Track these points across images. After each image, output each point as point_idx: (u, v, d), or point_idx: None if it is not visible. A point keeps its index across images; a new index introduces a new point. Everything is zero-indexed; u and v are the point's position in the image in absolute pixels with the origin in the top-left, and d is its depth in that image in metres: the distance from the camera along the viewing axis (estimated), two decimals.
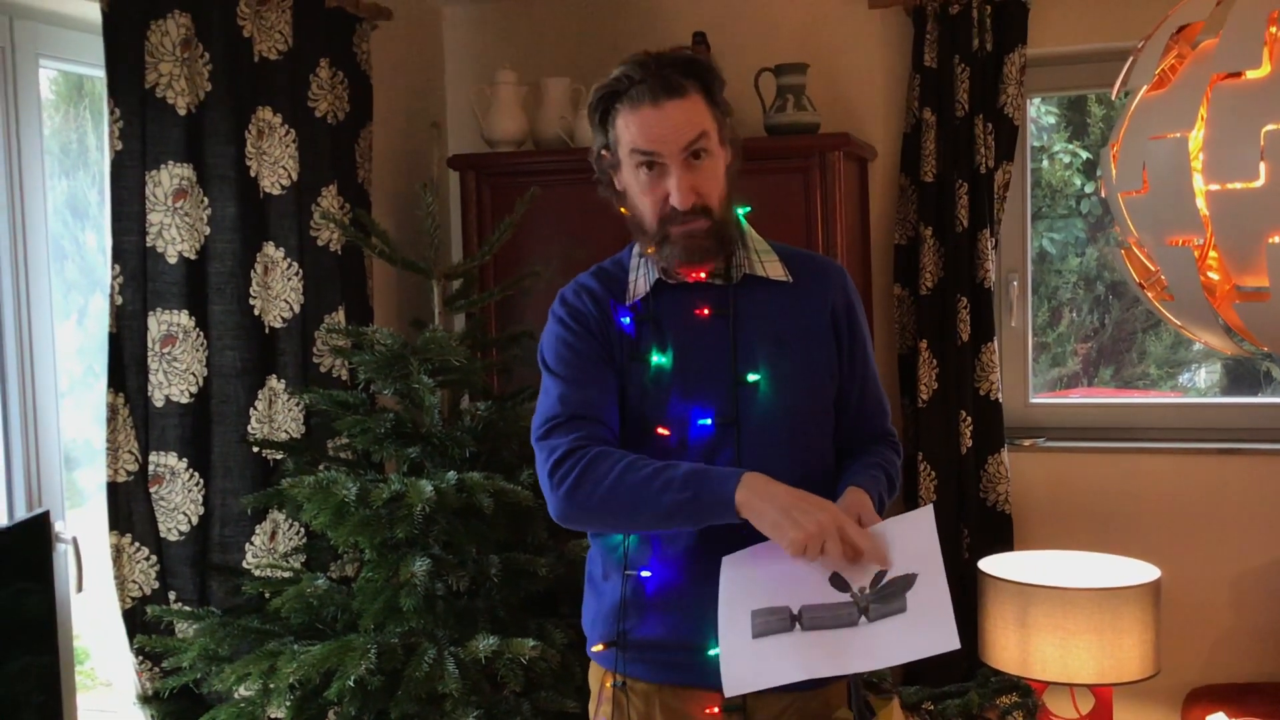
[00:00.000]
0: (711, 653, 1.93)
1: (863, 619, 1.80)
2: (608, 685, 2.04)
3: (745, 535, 1.91)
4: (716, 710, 1.98)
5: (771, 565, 1.87)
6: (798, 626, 1.80)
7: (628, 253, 2.09)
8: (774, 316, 2.02)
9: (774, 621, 1.81)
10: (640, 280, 2.03)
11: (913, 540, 1.87)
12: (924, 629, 1.76)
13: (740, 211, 2.05)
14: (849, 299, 2.10)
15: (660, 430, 1.97)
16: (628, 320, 2.01)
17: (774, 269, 2.04)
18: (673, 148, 1.90)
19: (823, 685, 1.98)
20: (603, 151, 1.99)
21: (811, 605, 1.82)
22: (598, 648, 2.06)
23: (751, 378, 1.98)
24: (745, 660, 1.79)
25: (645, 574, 1.97)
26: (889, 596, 1.81)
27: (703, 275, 2.01)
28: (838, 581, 1.85)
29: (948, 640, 1.75)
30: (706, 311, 2.00)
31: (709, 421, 1.97)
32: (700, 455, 1.97)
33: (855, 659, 1.78)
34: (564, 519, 1.94)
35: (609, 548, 2.04)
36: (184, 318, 2.73)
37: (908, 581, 1.82)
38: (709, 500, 1.82)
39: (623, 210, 2.03)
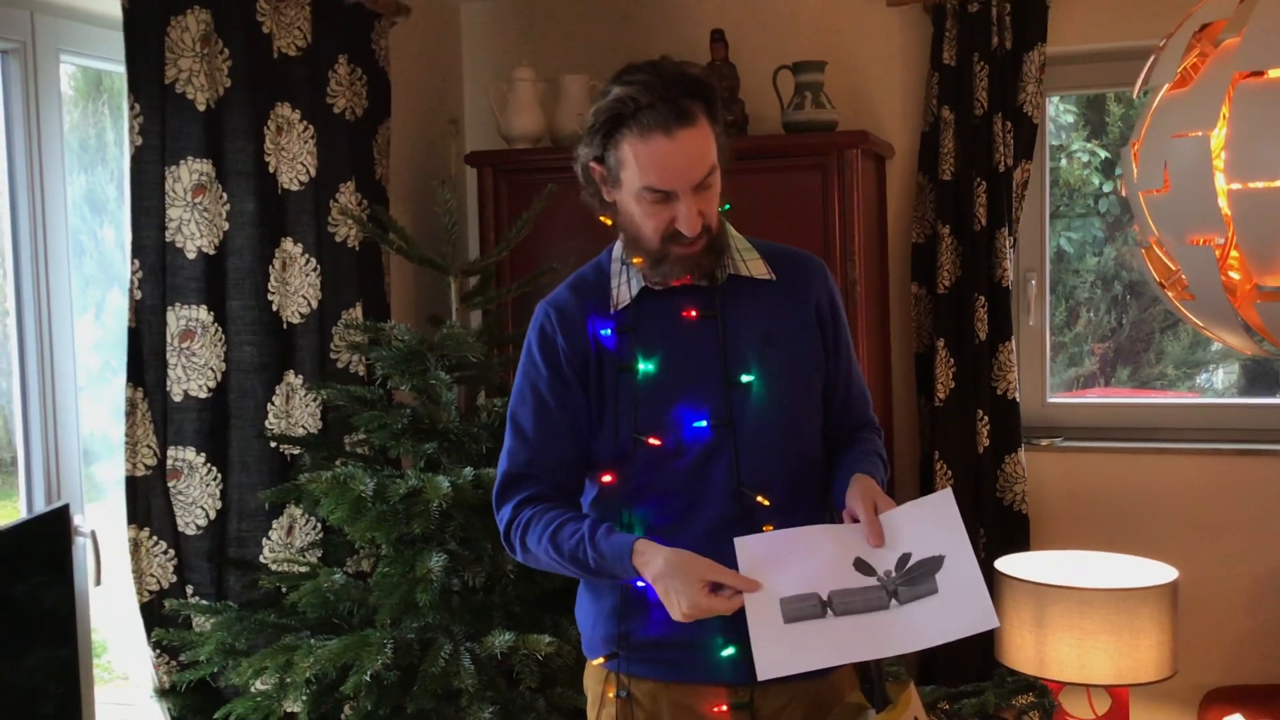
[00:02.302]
0: (725, 653, 1.93)
1: (893, 602, 1.80)
2: (610, 695, 2.04)
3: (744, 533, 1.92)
4: (724, 708, 1.97)
5: (792, 553, 1.87)
6: (829, 612, 1.80)
7: (607, 256, 2.07)
8: (761, 315, 2.02)
9: (805, 608, 1.81)
10: (623, 288, 2.01)
11: (935, 523, 1.87)
12: (960, 609, 1.77)
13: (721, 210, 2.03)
14: (831, 292, 2.10)
15: (652, 440, 1.96)
16: (608, 332, 2.00)
17: (757, 267, 2.03)
18: (685, 184, 1.87)
19: (828, 673, 1.97)
20: (593, 164, 1.95)
21: (840, 590, 1.82)
22: (597, 661, 2.05)
23: (744, 379, 1.98)
24: (778, 646, 1.79)
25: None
26: (917, 579, 1.81)
27: (688, 277, 1.99)
28: (862, 566, 1.85)
29: (985, 619, 1.77)
30: (694, 313, 1.99)
31: (704, 424, 1.97)
32: (696, 459, 1.97)
33: (892, 642, 1.78)
34: None
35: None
36: (202, 313, 2.74)
37: (935, 564, 1.82)
38: (620, 573, 1.91)
39: (604, 219, 2.02)
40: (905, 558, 1.85)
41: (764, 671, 1.79)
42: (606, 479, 2.01)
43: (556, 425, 2.01)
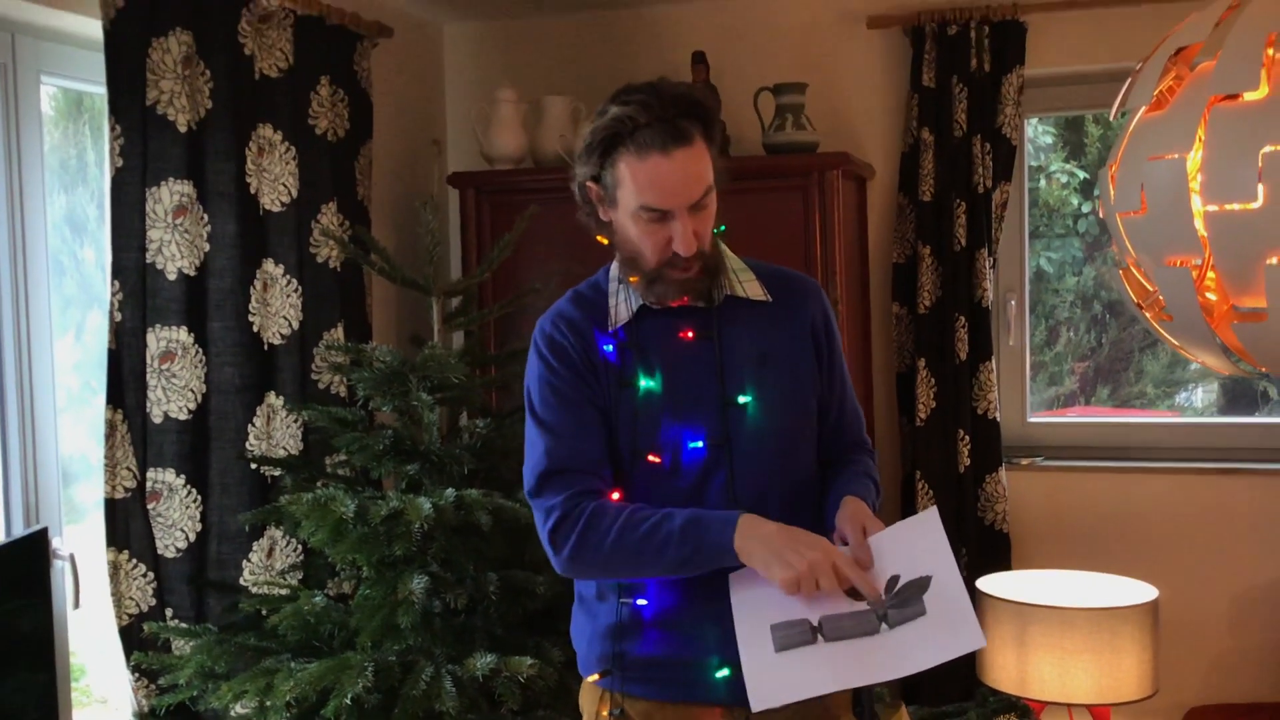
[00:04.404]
0: (719, 674, 1.92)
1: (884, 626, 1.80)
2: (604, 714, 2.03)
3: None
4: None
5: None
6: (820, 638, 1.80)
7: (604, 276, 2.07)
8: (757, 337, 2.02)
9: (795, 635, 1.80)
10: (621, 306, 2.01)
11: (921, 543, 1.87)
12: (948, 630, 1.77)
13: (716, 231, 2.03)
14: (826, 313, 2.11)
15: (651, 458, 1.96)
16: (610, 348, 1.99)
17: (753, 289, 2.04)
18: (682, 203, 1.88)
19: (824, 696, 1.96)
20: (590, 183, 1.95)
21: (830, 616, 1.81)
22: (592, 678, 2.05)
23: (741, 400, 1.98)
24: (771, 675, 1.78)
25: (641, 602, 1.96)
26: (906, 601, 1.81)
27: (685, 298, 1.99)
28: (852, 591, 1.84)
29: (973, 639, 1.76)
30: (690, 334, 2.00)
31: (700, 444, 1.97)
32: (694, 478, 1.97)
33: (884, 667, 1.78)
34: (570, 575, 2.00)
35: None
36: (183, 334, 2.73)
37: (922, 584, 1.82)
38: (710, 552, 1.86)
39: (600, 239, 2.01)
40: (894, 580, 1.84)
41: (758, 703, 1.77)
42: (615, 496, 1.99)
43: (587, 417, 1.97)
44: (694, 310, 2.01)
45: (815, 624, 1.81)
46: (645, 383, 1.97)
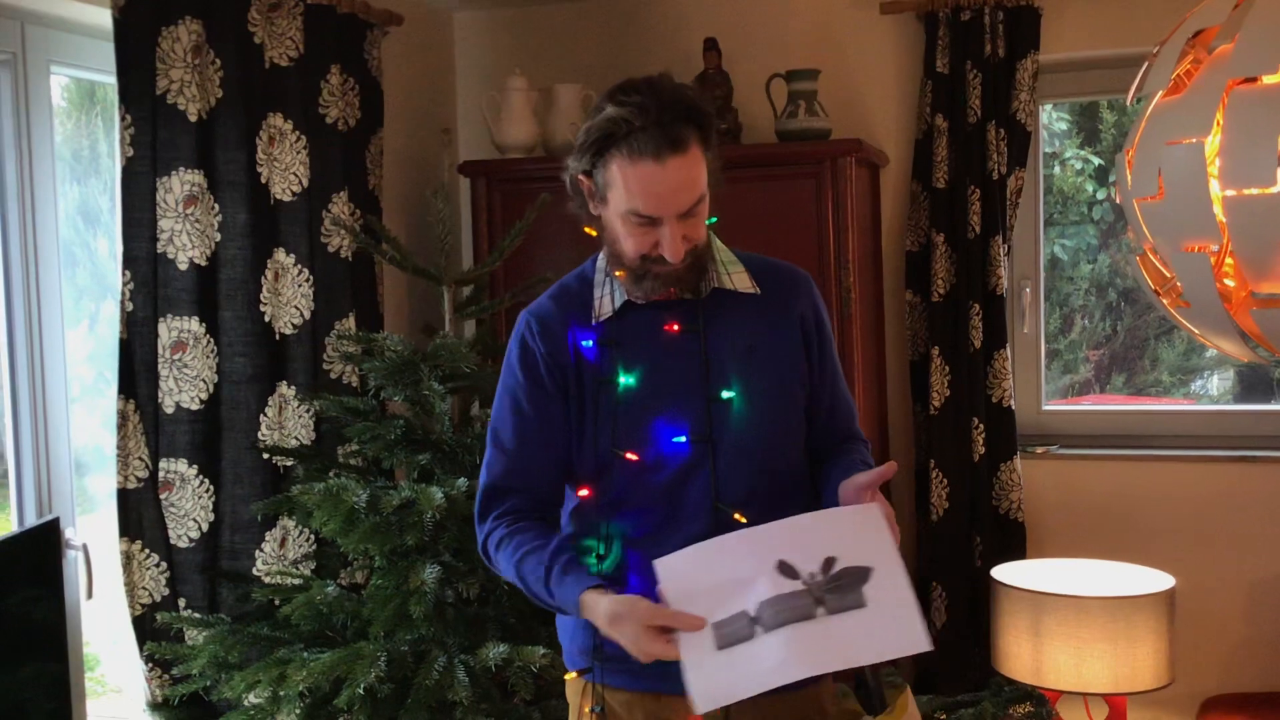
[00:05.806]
0: None
1: (820, 610, 1.75)
2: (586, 710, 2.02)
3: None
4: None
5: (714, 566, 1.83)
6: (759, 630, 1.75)
7: (591, 265, 2.05)
8: (744, 330, 2.00)
9: (736, 630, 1.76)
10: (606, 300, 1.99)
11: (862, 533, 1.83)
12: (890, 628, 1.73)
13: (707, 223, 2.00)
14: (816, 306, 2.08)
15: (630, 455, 1.95)
16: (590, 344, 1.98)
17: (741, 281, 2.01)
18: (672, 212, 1.85)
19: (808, 684, 1.94)
20: (581, 177, 1.93)
21: (766, 600, 1.77)
22: (570, 675, 2.05)
23: (725, 394, 1.96)
24: (714, 674, 1.74)
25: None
26: (844, 589, 1.77)
27: (671, 290, 1.97)
28: (785, 569, 1.80)
29: (916, 641, 1.72)
30: (676, 327, 1.97)
31: (683, 439, 1.95)
32: (675, 475, 1.95)
33: (825, 659, 1.74)
34: None
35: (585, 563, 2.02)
36: (194, 324, 2.73)
37: (862, 574, 1.78)
38: (571, 611, 1.90)
39: (589, 230, 1.99)
40: (830, 561, 1.80)
41: (703, 705, 1.73)
42: (583, 493, 1.99)
43: (535, 435, 1.99)
44: (680, 303, 1.98)
45: (753, 614, 1.77)
46: (625, 379, 1.96)
